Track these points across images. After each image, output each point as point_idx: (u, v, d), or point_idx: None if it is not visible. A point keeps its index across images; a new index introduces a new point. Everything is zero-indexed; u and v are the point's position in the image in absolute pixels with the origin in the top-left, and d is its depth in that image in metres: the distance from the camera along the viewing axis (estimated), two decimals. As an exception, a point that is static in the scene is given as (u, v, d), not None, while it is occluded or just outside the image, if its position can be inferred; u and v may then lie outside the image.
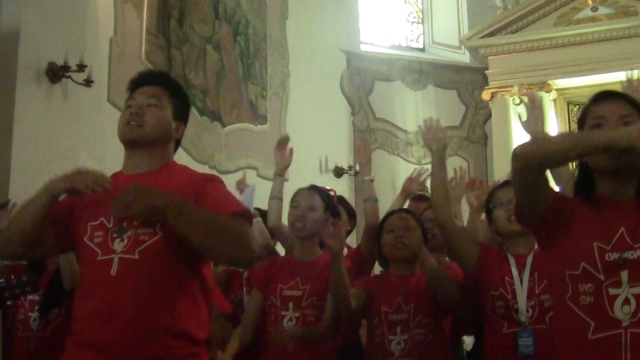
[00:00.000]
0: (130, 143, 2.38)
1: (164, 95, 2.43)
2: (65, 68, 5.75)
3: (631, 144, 1.90)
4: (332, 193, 3.64)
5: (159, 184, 2.27)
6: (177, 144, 2.51)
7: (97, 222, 2.28)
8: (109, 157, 5.60)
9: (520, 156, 2.04)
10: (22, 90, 5.44)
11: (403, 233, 3.30)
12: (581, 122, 2.18)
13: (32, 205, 2.30)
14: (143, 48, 6.85)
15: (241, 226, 2.22)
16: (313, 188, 3.53)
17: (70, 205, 2.36)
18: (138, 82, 2.46)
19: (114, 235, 2.24)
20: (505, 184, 3.26)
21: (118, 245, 2.23)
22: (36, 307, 3.52)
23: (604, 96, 2.18)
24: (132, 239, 2.23)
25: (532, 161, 2.03)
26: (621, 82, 3.48)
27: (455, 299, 3.18)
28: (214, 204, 2.26)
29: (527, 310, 2.95)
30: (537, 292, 2.94)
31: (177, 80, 2.64)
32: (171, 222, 2.17)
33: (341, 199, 4.16)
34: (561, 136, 2.08)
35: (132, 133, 2.36)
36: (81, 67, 5.80)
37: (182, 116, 2.50)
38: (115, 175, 2.42)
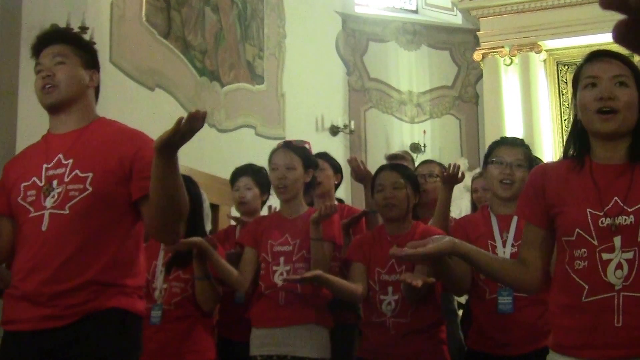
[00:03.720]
0: (52, 107, 2.42)
1: (68, 49, 2.44)
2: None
3: None
4: (307, 146, 3.61)
5: (90, 141, 2.35)
6: (97, 91, 2.54)
7: (29, 182, 2.35)
8: (110, 117, 5.73)
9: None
10: (26, 51, 5.52)
11: (390, 193, 3.24)
12: (575, 82, 2.17)
13: None
14: (143, 10, 6.89)
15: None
16: (287, 146, 3.52)
17: (6, 176, 2.44)
18: (39, 46, 2.48)
19: (45, 192, 2.29)
20: (511, 144, 3.12)
21: (49, 202, 2.28)
22: None
23: (598, 55, 2.14)
24: (62, 194, 2.27)
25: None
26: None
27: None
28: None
29: None
30: None
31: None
32: (160, 173, 2.16)
33: (325, 155, 4.14)
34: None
35: (50, 98, 2.40)
36: (83, 29, 5.81)
37: (92, 64, 2.51)
38: (46, 135, 2.48)
